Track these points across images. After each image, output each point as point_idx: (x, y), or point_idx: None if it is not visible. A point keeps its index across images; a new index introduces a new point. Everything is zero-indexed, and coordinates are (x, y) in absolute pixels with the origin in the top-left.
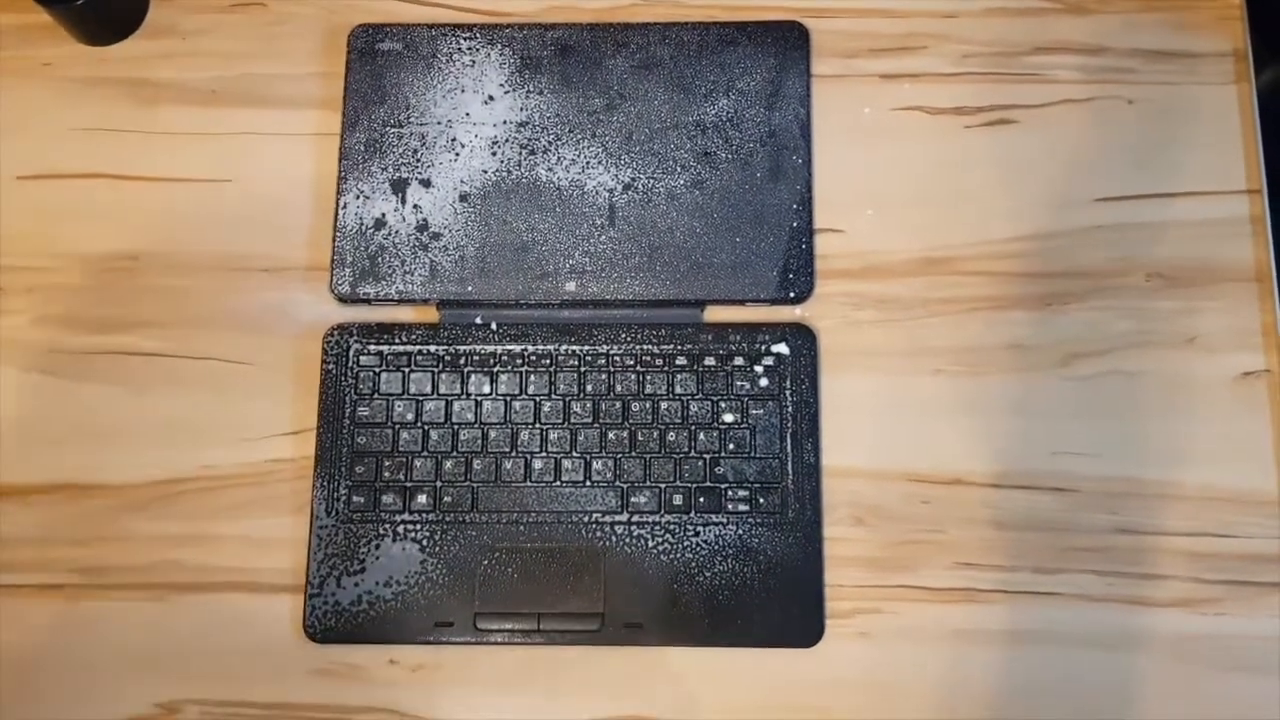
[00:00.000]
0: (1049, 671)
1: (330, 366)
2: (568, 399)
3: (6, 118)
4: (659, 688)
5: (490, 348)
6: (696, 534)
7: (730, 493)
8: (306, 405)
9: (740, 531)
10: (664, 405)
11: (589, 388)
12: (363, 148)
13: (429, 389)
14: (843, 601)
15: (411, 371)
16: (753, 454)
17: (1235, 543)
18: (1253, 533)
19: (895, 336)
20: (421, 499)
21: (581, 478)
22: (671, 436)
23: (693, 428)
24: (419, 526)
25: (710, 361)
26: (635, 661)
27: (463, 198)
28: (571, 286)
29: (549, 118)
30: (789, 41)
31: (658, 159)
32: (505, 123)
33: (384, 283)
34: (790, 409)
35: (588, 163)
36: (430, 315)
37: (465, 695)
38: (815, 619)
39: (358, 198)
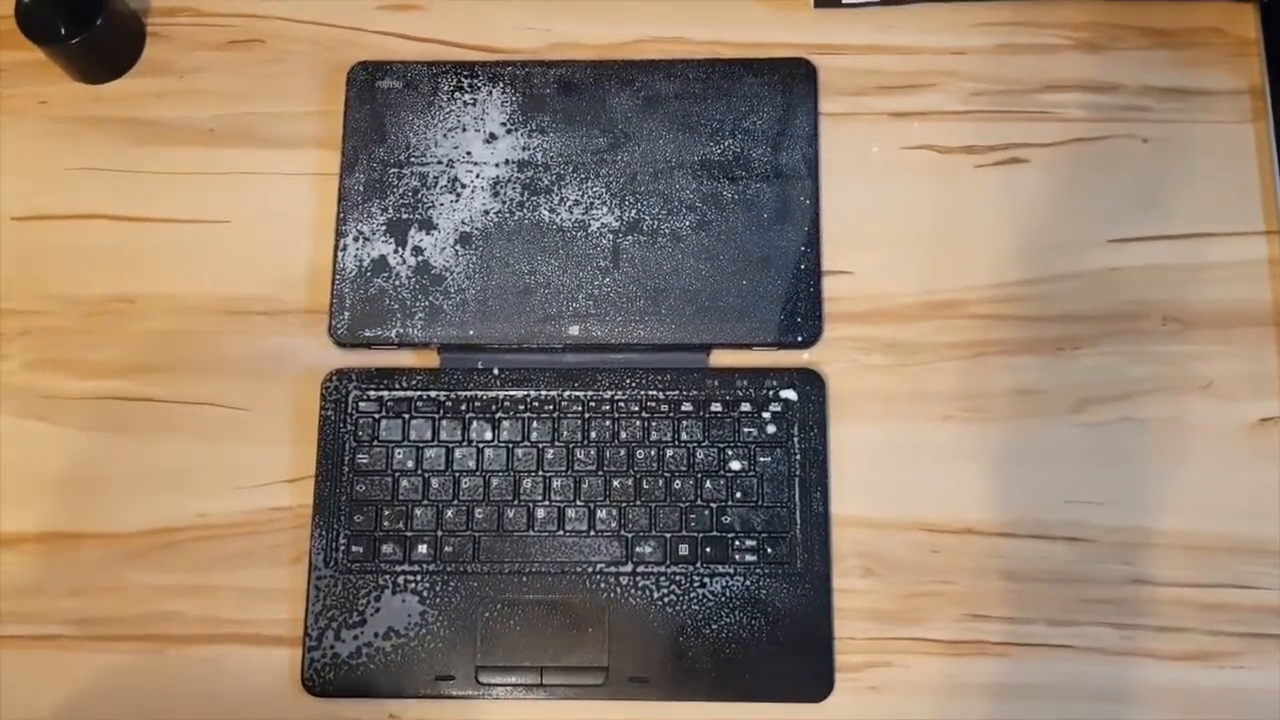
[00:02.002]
0: None
1: (329, 413)
2: (571, 446)
3: (1, 157)
4: None
5: (492, 393)
6: (703, 585)
7: (737, 542)
8: (305, 452)
9: (748, 582)
10: (670, 452)
11: (593, 434)
12: (362, 188)
13: (429, 436)
14: (852, 655)
15: (412, 418)
16: (760, 503)
17: (1252, 594)
18: (1270, 584)
19: (904, 382)
20: (422, 549)
21: (585, 527)
22: (677, 484)
23: (699, 475)
24: (419, 577)
25: (717, 407)
26: (641, 716)
27: (464, 239)
28: (575, 330)
29: (552, 157)
30: (796, 79)
31: (662, 199)
32: (507, 162)
33: (384, 326)
34: (799, 456)
35: (591, 203)
36: (431, 360)
37: None
38: (825, 673)
39: (357, 239)
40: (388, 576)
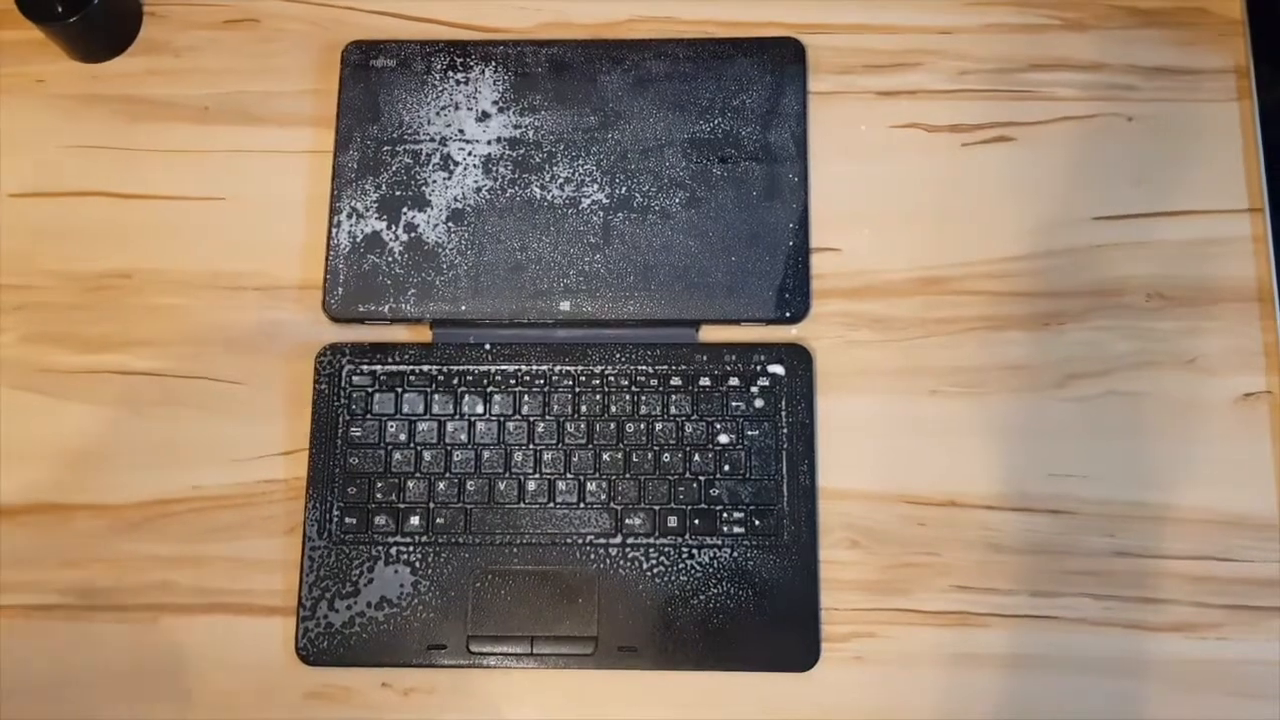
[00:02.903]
0: (1046, 697)
1: (322, 386)
2: (562, 420)
3: None
4: (653, 712)
5: (484, 368)
6: (691, 556)
7: (725, 515)
8: (299, 425)
9: (735, 554)
10: (659, 426)
11: (583, 408)
12: (355, 165)
13: (422, 409)
14: (838, 625)
15: (404, 392)
16: (748, 476)
17: (1235, 566)
18: (1253, 556)
19: (892, 357)
20: (414, 520)
21: (575, 499)
22: (666, 458)
23: (687, 449)
24: (412, 548)
25: (705, 382)
26: (629, 685)
27: (456, 216)
28: (566, 306)
29: (543, 135)
30: (785, 58)
31: (653, 177)
32: (499, 140)
33: (377, 302)
34: (786, 430)
35: (582, 181)
36: (423, 335)
37: (458, 719)
38: (811, 643)
39: (350, 216)
40: (380, 547)
